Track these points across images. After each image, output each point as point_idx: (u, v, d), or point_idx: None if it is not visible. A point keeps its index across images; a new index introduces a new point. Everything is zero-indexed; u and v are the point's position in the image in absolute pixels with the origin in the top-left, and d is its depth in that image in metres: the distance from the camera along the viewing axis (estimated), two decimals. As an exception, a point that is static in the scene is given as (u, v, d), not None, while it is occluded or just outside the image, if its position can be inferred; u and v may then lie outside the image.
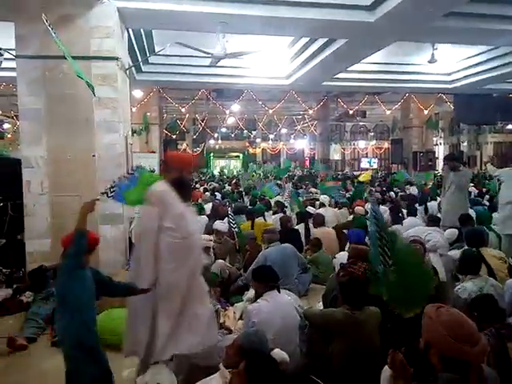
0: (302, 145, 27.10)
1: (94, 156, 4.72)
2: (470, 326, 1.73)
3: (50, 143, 4.70)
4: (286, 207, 7.13)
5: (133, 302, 2.64)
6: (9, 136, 16.63)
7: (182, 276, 2.53)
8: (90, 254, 2.57)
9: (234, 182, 14.78)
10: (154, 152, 9.63)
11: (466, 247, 4.17)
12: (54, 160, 4.71)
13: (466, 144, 20.09)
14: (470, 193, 8.93)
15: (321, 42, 7.70)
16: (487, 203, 8.04)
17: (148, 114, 14.14)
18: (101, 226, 4.73)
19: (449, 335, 1.66)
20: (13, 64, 4.80)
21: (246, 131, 23.08)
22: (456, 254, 4.27)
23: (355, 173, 21.51)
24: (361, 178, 11.35)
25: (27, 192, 4.70)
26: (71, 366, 2.31)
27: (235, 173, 24.42)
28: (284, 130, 24.58)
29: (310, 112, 16.37)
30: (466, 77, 10.44)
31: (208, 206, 7.35)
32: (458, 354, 1.66)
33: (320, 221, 5.95)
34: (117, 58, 4.86)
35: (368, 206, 7.09)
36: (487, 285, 3.36)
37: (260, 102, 13.34)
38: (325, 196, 7.86)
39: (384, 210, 6.46)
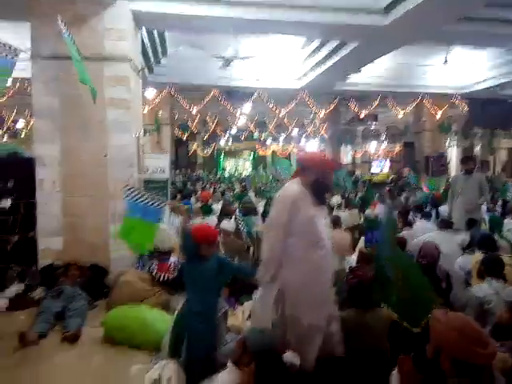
0: (312, 147, 27.01)
1: (105, 156, 4.79)
2: (478, 329, 1.74)
3: (64, 143, 4.79)
4: None
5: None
6: (22, 136, 16.88)
7: (307, 279, 2.55)
8: (210, 247, 2.78)
9: (242, 184, 14.83)
10: (166, 152, 9.69)
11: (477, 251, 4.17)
12: (67, 159, 4.79)
13: (479, 148, 19.85)
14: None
15: (333, 44, 7.71)
16: (499, 209, 7.97)
17: (159, 114, 14.24)
18: (111, 225, 4.79)
19: (460, 338, 1.68)
20: (25, 64, 4.87)
21: (256, 133, 23.08)
22: (466, 260, 4.26)
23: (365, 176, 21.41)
24: (378, 178, 11.14)
25: (40, 190, 4.78)
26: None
27: (244, 175, 24.45)
28: (294, 133, 24.53)
29: (321, 115, 16.31)
30: (480, 81, 10.36)
31: (217, 207, 7.40)
32: (470, 356, 1.67)
33: (336, 222, 5.96)
34: (130, 60, 4.93)
35: (377, 209, 7.07)
36: (505, 290, 3.36)
37: (271, 106, 13.35)
38: (337, 198, 7.86)
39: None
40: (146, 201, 3.63)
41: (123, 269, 4.44)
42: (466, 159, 6.47)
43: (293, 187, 2.63)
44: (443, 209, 7.19)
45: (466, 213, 5.70)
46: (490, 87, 10.23)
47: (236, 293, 3.47)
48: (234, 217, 5.65)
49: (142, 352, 3.23)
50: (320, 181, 2.66)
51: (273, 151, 29.01)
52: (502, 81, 9.71)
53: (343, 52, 7.53)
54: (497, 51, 9.16)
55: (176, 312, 2.94)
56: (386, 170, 24.81)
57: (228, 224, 5.34)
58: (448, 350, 1.73)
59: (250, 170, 28.72)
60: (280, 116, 16.42)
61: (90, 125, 4.80)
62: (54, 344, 3.46)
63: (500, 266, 3.55)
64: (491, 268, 3.49)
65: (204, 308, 2.70)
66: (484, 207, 8.14)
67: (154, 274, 4.38)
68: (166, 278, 4.34)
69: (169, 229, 5.36)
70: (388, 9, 5.62)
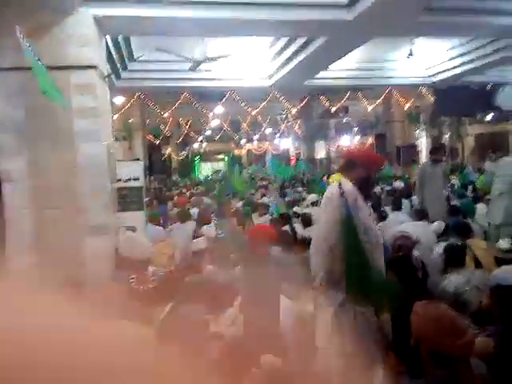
0: (287, 144, 27.17)
1: (75, 167, 4.64)
2: (455, 319, 1.75)
3: (31, 155, 4.61)
4: (270, 207, 7.11)
5: None
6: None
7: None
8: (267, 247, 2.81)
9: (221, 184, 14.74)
10: (139, 159, 9.52)
11: (450, 240, 4.23)
12: (35, 172, 4.61)
13: (447, 136, 20.35)
14: (453, 185, 9.06)
15: (301, 41, 7.72)
16: (471, 194, 8.16)
17: (130, 120, 14.01)
18: (86, 238, 4.65)
19: (432, 329, 1.70)
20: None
21: (230, 133, 23.01)
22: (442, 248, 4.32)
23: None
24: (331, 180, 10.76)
25: (8, 206, 4.60)
26: None
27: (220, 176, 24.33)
28: (268, 130, 24.59)
29: (294, 111, 16.40)
30: (444, 70, 10.59)
31: (194, 211, 7.31)
32: (444, 347, 1.68)
33: (307, 220, 5.95)
34: (95, 67, 4.79)
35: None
36: (474, 276, 3.40)
37: (243, 104, 13.32)
38: (313, 195, 7.87)
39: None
40: None
41: (101, 283, 4.31)
42: (435, 149, 6.62)
43: (332, 187, 2.60)
44: (416, 198, 7.31)
45: (434, 201, 5.81)
46: (454, 75, 10.47)
47: (215, 299, 3.42)
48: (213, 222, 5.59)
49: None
50: (368, 176, 2.66)
51: (248, 150, 29.02)
52: (465, 68, 9.95)
53: (310, 49, 7.55)
54: (459, 41, 9.39)
55: (157, 324, 2.86)
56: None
57: (209, 230, 5.27)
58: (424, 342, 1.75)
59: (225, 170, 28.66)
60: (253, 114, 16.44)
61: (57, 135, 4.64)
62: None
63: (460, 254, 3.57)
64: (453, 259, 3.53)
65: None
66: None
67: (132, 286, 4.27)
68: (146, 289, 4.24)
69: (145, 237, 5.25)
70: (352, 3, 5.65)
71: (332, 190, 2.59)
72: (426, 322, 1.75)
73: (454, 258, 3.53)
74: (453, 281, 3.32)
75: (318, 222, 2.63)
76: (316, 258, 2.58)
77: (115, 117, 11.28)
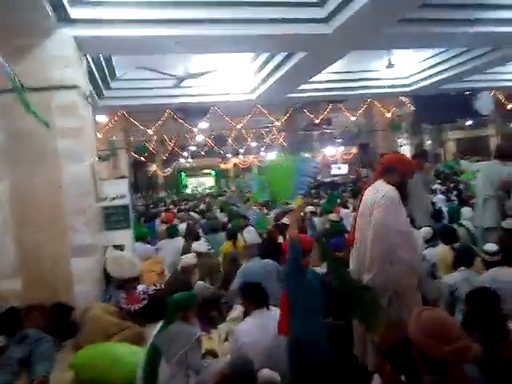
0: (273, 157, 27.27)
1: (59, 188, 4.58)
2: (447, 325, 1.75)
3: (13, 178, 4.54)
4: (248, 219, 7.06)
5: None
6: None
7: (403, 271, 2.64)
8: (307, 257, 2.74)
9: (207, 200, 14.72)
10: (124, 177, 9.44)
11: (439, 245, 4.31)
12: (18, 195, 4.53)
13: (429, 143, 20.73)
14: (434, 190, 9.17)
15: (281, 56, 7.82)
16: (455, 198, 8.28)
17: (114, 138, 13.94)
18: (72, 259, 4.56)
19: (423, 333, 1.69)
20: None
21: (215, 148, 23.05)
22: (431, 252, 4.36)
23: (326, 180, 21.81)
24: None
25: (-9, 231, 4.50)
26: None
27: (207, 191, 24.30)
28: (254, 144, 24.70)
29: (277, 124, 16.53)
30: (423, 79, 10.81)
31: (182, 227, 7.26)
32: (432, 352, 1.67)
33: (301, 230, 5.95)
34: (77, 87, 4.77)
35: (342, 212, 7.17)
36: (473, 277, 3.52)
37: (227, 118, 13.38)
38: (312, 207, 7.89)
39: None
40: None
41: (89, 304, 4.23)
42: (414, 157, 6.72)
43: (389, 188, 2.69)
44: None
45: (419, 207, 5.87)
46: (432, 83, 10.70)
47: (206, 315, 3.38)
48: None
49: (116, 391, 3.06)
50: (405, 180, 2.77)
51: (234, 164, 29.08)
52: (443, 76, 10.18)
53: (291, 63, 7.65)
54: (436, 50, 9.62)
55: (148, 344, 2.81)
56: (344, 171, 25.42)
57: (200, 245, 5.23)
58: (415, 346, 1.74)
59: (212, 185, 28.64)
60: (238, 129, 16.52)
61: (40, 157, 4.58)
62: (19, 394, 3.22)
63: (470, 255, 3.77)
64: (464, 258, 3.68)
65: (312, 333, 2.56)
66: (440, 197, 8.45)
67: (122, 306, 4.20)
68: (136, 309, 4.18)
69: (133, 256, 5.19)
70: (330, 17, 5.75)
71: (392, 190, 2.67)
72: (417, 325, 1.75)
73: (465, 258, 3.72)
74: (454, 276, 3.47)
75: (377, 219, 2.63)
76: (373, 258, 2.62)
77: (99, 135, 11.20)
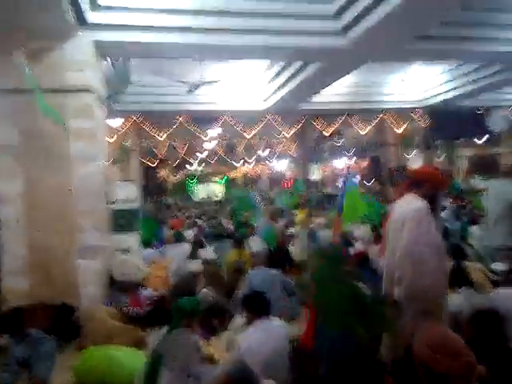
0: (282, 167, 27.29)
1: (70, 190, 4.62)
2: (453, 340, 1.74)
3: (26, 178, 4.60)
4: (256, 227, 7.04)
5: None
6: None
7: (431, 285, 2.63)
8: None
9: (214, 208, 14.75)
10: (133, 181, 9.54)
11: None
12: (31, 195, 4.59)
13: (441, 159, 20.55)
14: (444, 207, 9.06)
15: (296, 65, 7.85)
16: (465, 217, 8.18)
17: (126, 142, 14.05)
18: (80, 260, 4.59)
19: (429, 348, 1.69)
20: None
21: (225, 156, 23.11)
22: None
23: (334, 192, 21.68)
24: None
25: (3, 229, 4.55)
26: None
27: (219, 197, 24.35)
28: (264, 153, 24.74)
29: (289, 134, 16.54)
30: (437, 95, 10.79)
31: (189, 233, 7.27)
32: (437, 366, 1.66)
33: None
34: (93, 90, 4.84)
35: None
36: (473, 297, 3.41)
37: (238, 128, 13.43)
38: (322, 219, 7.87)
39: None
40: None
41: (94, 305, 4.24)
42: None
43: (420, 202, 2.67)
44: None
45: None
46: (447, 99, 10.66)
47: (208, 324, 3.36)
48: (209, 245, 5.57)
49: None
50: (436, 194, 2.76)
51: (244, 173, 29.12)
52: (457, 92, 10.15)
53: (305, 74, 7.68)
54: (450, 65, 9.60)
55: (151, 349, 2.80)
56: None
57: (209, 253, 5.23)
58: (418, 360, 1.73)
59: (223, 193, 28.70)
60: (249, 138, 16.55)
61: (53, 157, 4.65)
62: (20, 394, 3.22)
63: (463, 274, 3.64)
64: (458, 279, 3.55)
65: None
66: (449, 212, 8.33)
67: (126, 309, 4.20)
68: (139, 313, 4.17)
69: (139, 260, 5.20)
70: (346, 29, 5.78)
71: (423, 205, 2.66)
72: (422, 339, 1.75)
73: (460, 278, 3.59)
74: (454, 300, 3.34)
75: (409, 234, 2.62)
76: (403, 271, 2.61)
77: (112, 139, 11.31)
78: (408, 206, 2.70)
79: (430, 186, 2.76)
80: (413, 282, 2.57)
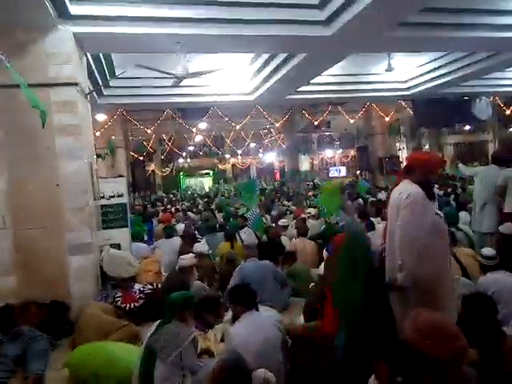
0: (271, 158, 27.34)
1: (57, 186, 4.56)
2: (445, 325, 1.76)
3: (11, 175, 4.51)
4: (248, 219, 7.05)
5: None
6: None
7: (433, 269, 2.67)
8: None
9: (205, 200, 14.71)
10: (122, 176, 9.44)
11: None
12: (16, 192, 4.51)
13: (427, 147, 20.78)
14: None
15: (281, 57, 7.82)
16: (453, 202, 8.29)
17: (113, 137, 13.91)
18: (69, 257, 4.55)
19: (420, 334, 1.71)
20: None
21: (214, 148, 23.05)
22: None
23: (323, 182, 21.83)
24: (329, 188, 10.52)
25: (-12, 227, 4.48)
26: None
27: (207, 190, 24.31)
28: (252, 145, 24.72)
29: (277, 125, 16.54)
30: (422, 83, 10.85)
31: (180, 227, 7.24)
32: (430, 352, 1.68)
33: (301, 231, 5.99)
34: (76, 84, 4.76)
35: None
36: (459, 284, 3.45)
37: (226, 119, 13.37)
38: (312, 209, 7.89)
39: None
40: None
41: (85, 302, 4.21)
42: None
43: (413, 187, 2.72)
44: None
45: None
46: (431, 88, 10.74)
47: (202, 316, 3.36)
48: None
49: (111, 390, 3.04)
50: (428, 179, 2.81)
51: (232, 164, 29.09)
52: (442, 81, 10.22)
53: (290, 65, 7.66)
54: (435, 54, 9.65)
55: (144, 343, 2.80)
56: (342, 173, 25.47)
57: (202, 246, 5.21)
58: (411, 346, 1.75)
59: (210, 185, 28.65)
60: (236, 130, 16.51)
61: (38, 154, 4.56)
62: (14, 392, 3.19)
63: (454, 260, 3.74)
64: None
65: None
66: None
67: (118, 304, 4.18)
68: (132, 308, 4.16)
69: (130, 255, 5.17)
70: (329, 20, 5.76)
71: (416, 190, 2.71)
72: (413, 325, 1.77)
73: None
74: None
75: (403, 219, 2.68)
76: (403, 257, 2.64)
77: (97, 134, 11.18)
78: (402, 192, 2.75)
79: (421, 170, 2.80)
80: (413, 267, 2.61)
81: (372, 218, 6.61)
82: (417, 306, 2.52)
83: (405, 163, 3.07)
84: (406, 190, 2.73)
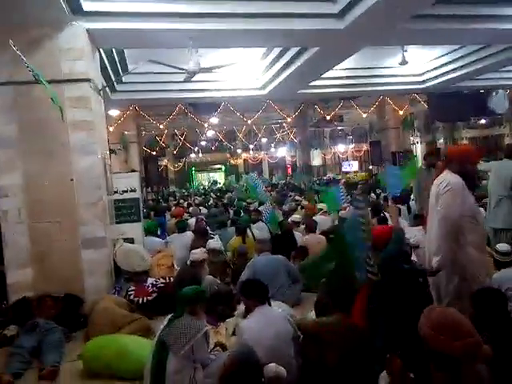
0: (283, 153, 27.27)
1: (71, 180, 4.62)
2: (459, 322, 1.74)
3: (26, 170, 4.59)
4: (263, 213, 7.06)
5: None
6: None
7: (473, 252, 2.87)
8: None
9: (217, 195, 14.78)
10: (135, 171, 9.52)
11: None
12: (31, 187, 4.59)
13: (442, 141, 20.46)
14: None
15: (293, 51, 7.76)
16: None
17: (126, 132, 14.02)
18: (83, 251, 4.61)
19: (435, 330, 1.70)
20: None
21: (226, 143, 23.08)
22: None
23: (338, 176, 21.71)
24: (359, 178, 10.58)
25: (4, 221, 4.56)
26: None
27: (220, 185, 24.39)
28: (264, 139, 24.69)
29: (289, 120, 16.47)
30: (436, 76, 10.67)
31: (192, 221, 7.28)
32: (443, 348, 1.67)
33: (311, 227, 5.96)
34: (89, 80, 4.80)
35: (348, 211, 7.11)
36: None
37: (238, 114, 13.37)
38: (323, 204, 7.88)
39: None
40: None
41: (99, 296, 4.27)
42: (426, 155, 6.65)
43: (452, 176, 2.91)
44: (414, 203, 7.31)
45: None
46: (446, 81, 10.55)
47: (214, 310, 3.39)
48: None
49: (124, 382, 3.08)
50: (467, 170, 2.98)
51: (244, 159, 29.10)
52: (457, 74, 10.03)
53: (303, 59, 7.59)
54: (450, 47, 9.47)
55: (156, 337, 2.83)
56: (354, 168, 25.29)
57: (215, 243, 5.23)
58: (425, 342, 1.74)
59: (222, 180, 28.73)
60: (248, 124, 16.50)
61: (52, 149, 4.63)
62: (31, 383, 3.26)
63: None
64: None
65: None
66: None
67: (131, 298, 4.23)
68: (145, 302, 4.20)
69: (143, 249, 5.22)
70: (342, 13, 5.69)
71: (455, 179, 2.89)
72: (427, 321, 1.76)
73: None
74: None
75: (442, 205, 2.89)
76: (440, 242, 2.83)
77: (111, 129, 11.28)
78: (442, 181, 2.94)
79: (459, 161, 2.98)
80: (448, 252, 2.79)
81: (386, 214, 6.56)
82: (452, 291, 2.77)
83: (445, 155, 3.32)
84: (445, 179, 2.92)
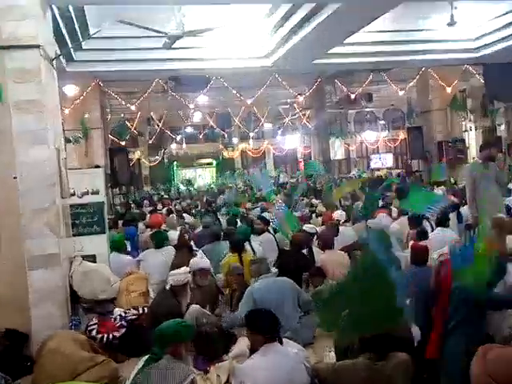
0: (293, 143, 27.28)
1: (14, 178, 4.62)
2: None
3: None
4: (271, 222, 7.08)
5: None
6: None
7: None
8: None
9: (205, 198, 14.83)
10: (98, 166, 9.54)
11: None
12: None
13: (503, 127, 20.46)
14: (510, 190, 9.06)
15: (307, 8, 7.78)
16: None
17: (86, 115, 14.04)
18: (30, 272, 4.61)
19: (488, 374, 1.82)
20: None
21: (218, 130, 23.10)
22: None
23: (364, 175, 21.73)
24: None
25: None
26: None
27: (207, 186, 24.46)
28: (268, 125, 24.71)
29: (301, 99, 16.49)
30: (495, 42, 10.70)
31: (174, 234, 7.28)
32: None
33: (327, 242, 5.93)
34: (38, 46, 4.80)
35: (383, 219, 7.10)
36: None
37: (234, 91, 13.39)
38: (340, 212, 7.89)
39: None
40: None
41: (50, 332, 4.26)
42: (484, 145, 6.66)
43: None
44: (466, 210, 7.29)
45: (488, 212, 5.83)
46: (507, 48, 10.56)
47: (203, 350, 3.39)
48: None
49: None
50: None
51: (242, 151, 29.15)
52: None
53: (319, 18, 7.61)
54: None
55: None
56: (388, 163, 25.29)
57: (203, 261, 5.22)
58: None
59: (213, 179, 28.78)
60: (247, 105, 16.55)
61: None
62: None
63: None
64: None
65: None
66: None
67: (93, 334, 4.23)
68: (111, 339, 4.20)
69: (108, 269, 5.23)
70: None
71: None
72: (483, 363, 1.88)
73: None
74: None
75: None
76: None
77: (66, 111, 11.31)
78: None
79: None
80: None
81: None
82: None
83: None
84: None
